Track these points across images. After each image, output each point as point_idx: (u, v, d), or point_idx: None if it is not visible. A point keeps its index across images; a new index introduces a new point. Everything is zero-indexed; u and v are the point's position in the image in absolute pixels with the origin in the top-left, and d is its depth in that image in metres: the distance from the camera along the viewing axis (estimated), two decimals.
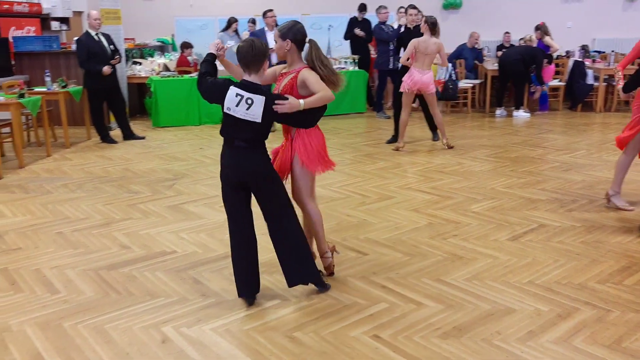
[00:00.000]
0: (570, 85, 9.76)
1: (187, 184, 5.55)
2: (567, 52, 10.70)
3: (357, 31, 9.74)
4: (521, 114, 9.20)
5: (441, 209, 4.69)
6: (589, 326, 2.86)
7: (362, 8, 9.96)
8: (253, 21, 9.93)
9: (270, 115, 2.99)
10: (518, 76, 9.05)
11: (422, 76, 6.57)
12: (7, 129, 6.72)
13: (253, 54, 2.96)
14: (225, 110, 2.98)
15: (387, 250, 3.87)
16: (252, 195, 3.12)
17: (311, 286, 3.31)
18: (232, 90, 2.95)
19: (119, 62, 7.75)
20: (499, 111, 9.40)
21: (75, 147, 7.48)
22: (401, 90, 6.75)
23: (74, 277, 3.54)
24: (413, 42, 6.59)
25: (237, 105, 2.94)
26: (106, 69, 7.33)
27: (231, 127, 3.01)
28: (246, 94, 2.94)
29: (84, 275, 3.56)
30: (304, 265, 3.20)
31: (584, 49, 10.64)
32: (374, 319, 2.97)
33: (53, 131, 7.87)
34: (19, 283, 3.47)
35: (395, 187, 5.33)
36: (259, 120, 2.96)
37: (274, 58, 8.00)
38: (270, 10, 8.12)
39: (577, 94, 9.62)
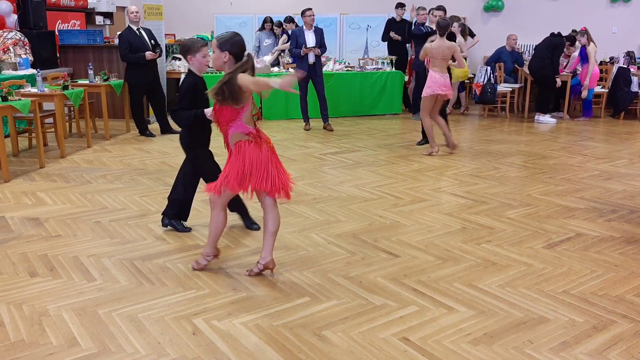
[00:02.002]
0: (613, 92, 9.51)
1: None
2: (612, 58, 10.43)
3: (393, 35, 9.71)
4: (547, 119, 9.02)
5: (475, 214, 4.63)
6: (625, 340, 2.78)
7: (401, 5, 9.85)
8: (279, 24, 9.97)
9: None
10: (546, 80, 8.89)
11: (445, 80, 6.49)
12: (50, 120, 6.92)
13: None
14: None
15: (419, 253, 3.85)
16: None
17: (344, 285, 3.32)
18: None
19: (160, 56, 7.90)
20: (542, 118, 9.23)
21: (114, 140, 7.65)
22: (424, 95, 6.61)
23: (109, 266, 3.62)
24: (425, 47, 6.52)
25: None
26: (149, 54, 7.48)
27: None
28: None
29: (120, 265, 3.64)
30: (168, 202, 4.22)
31: (629, 55, 10.34)
32: (404, 321, 2.95)
33: (94, 123, 8.07)
34: (58, 269, 3.57)
35: (429, 190, 5.29)
36: None
37: (312, 57, 8.04)
38: (309, 9, 8.14)
39: (620, 102, 9.37)
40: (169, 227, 4.26)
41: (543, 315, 3.01)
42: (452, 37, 6.80)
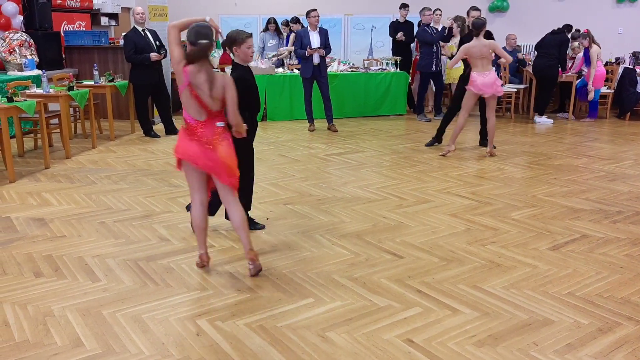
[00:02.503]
0: (619, 92, 9.47)
1: None
2: (617, 58, 10.38)
3: (399, 36, 9.71)
4: (543, 120, 9.02)
5: (480, 215, 4.62)
6: (631, 342, 2.77)
7: (405, 5, 9.84)
8: (287, 23, 9.98)
9: None
10: (550, 80, 8.87)
11: (485, 79, 6.45)
12: (55, 120, 6.94)
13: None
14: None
15: (423, 254, 3.84)
16: None
17: (348, 286, 3.32)
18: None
19: (165, 57, 7.91)
20: (541, 119, 9.24)
21: (119, 140, 7.67)
22: (468, 89, 6.51)
23: (114, 267, 3.63)
24: (463, 49, 6.48)
25: None
26: (153, 56, 7.50)
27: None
28: None
29: (124, 265, 3.64)
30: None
31: (635, 55, 10.30)
32: (408, 322, 2.95)
33: (99, 124, 8.09)
34: (62, 270, 3.58)
35: (434, 191, 5.27)
36: None
37: (316, 58, 8.05)
38: (314, 10, 8.14)
39: (626, 102, 9.33)
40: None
41: (548, 317, 3.00)
42: (489, 36, 6.74)
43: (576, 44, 9.61)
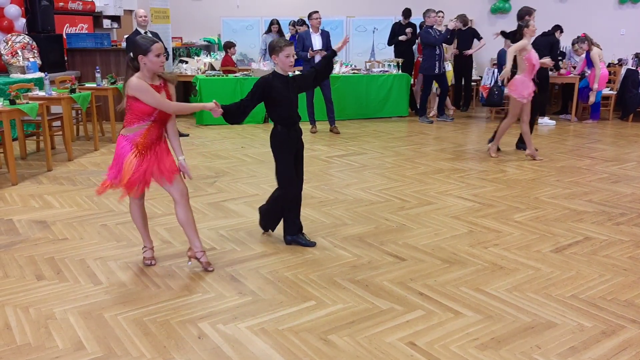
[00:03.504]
0: (621, 94, 9.45)
1: (228, 182, 5.62)
2: (620, 60, 10.36)
3: (403, 37, 9.72)
4: (546, 121, 9.02)
5: (482, 217, 4.61)
6: (635, 345, 2.75)
7: (407, 14, 9.91)
8: (293, 24, 9.98)
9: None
10: (544, 82, 8.84)
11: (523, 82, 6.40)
12: (58, 123, 6.95)
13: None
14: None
15: (425, 257, 3.83)
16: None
17: (350, 289, 3.31)
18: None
19: (166, 60, 7.91)
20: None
21: None
22: (520, 99, 6.38)
23: (116, 269, 3.62)
24: (520, 50, 6.27)
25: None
26: None
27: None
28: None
29: (126, 268, 3.64)
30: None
31: (638, 57, 10.27)
32: (410, 325, 2.94)
33: (101, 126, 8.10)
34: (64, 272, 3.57)
35: (436, 193, 5.26)
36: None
37: (317, 58, 8.04)
38: (316, 12, 8.15)
39: (629, 104, 9.31)
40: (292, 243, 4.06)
41: (551, 320, 2.98)
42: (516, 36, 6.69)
43: (576, 46, 9.61)
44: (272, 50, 3.75)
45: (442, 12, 9.25)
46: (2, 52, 7.98)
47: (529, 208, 4.84)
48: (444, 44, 9.05)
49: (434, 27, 8.96)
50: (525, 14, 6.80)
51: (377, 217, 4.61)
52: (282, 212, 4.01)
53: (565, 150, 7.12)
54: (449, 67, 9.52)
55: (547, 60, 6.85)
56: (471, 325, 2.93)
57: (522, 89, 6.34)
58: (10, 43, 8.05)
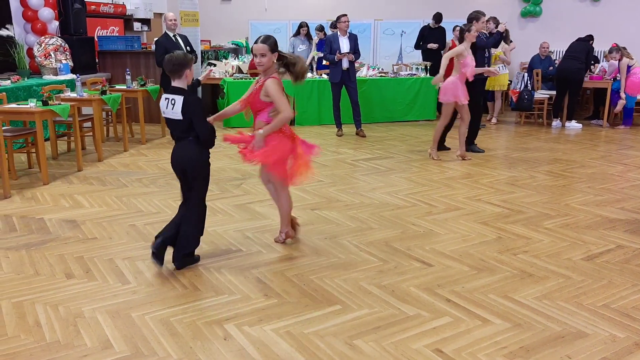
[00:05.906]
0: None
1: (254, 184, 5.64)
2: None
3: (431, 45, 9.65)
4: (574, 125, 8.98)
5: (511, 223, 4.53)
6: None
7: (439, 19, 9.83)
8: (321, 28, 9.99)
9: (189, 113, 3.41)
10: (577, 83, 8.83)
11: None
12: (88, 124, 7.07)
13: (172, 64, 3.40)
14: (162, 114, 3.54)
15: (453, 263, 3.78)
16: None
17: (376, 294, 3.28)
18: (163, 97, 3.49)
19: (195, 62, 7.99)
20: (555, 122, 9.13)
21: (150, 144, 7.77)
22: (447, 102, 6.50)
23: (144, 269, 3.66)
24: (458, 55, 6.39)
25: (166, 108, 3.45)
26: None
27: (170, 126, 3.56)
28: (170, 96, 3.43)
29: (153, 268, 3.67)
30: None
31: None
32: (437, 332, 2.90)
33: (130, 127, 8.21)
34: (93, 271, 3.63)
35: (464, 198, 5.20)
36: (180, 117, 3.41)
37: (345, 63, 8.03)
38: (344, 15, 8.13)
39: None
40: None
41: (582, 330, 2.92)
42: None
43: (610, 56, 9.50)
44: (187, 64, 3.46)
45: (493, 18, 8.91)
46: (35, 54, 8.17)
47: (559, 215, 4.75)
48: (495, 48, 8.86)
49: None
50: (473, 19, 6.67)
51: (403, 222, 4.57)
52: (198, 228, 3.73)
53: (596, 157, 6.97)
54: (505, 70, 9.38)
55: (493, 69, 7.10)
56: (500, 334, 2.88)
57: (453, 89, 6.35)
58: (43, 45, 8.23)
